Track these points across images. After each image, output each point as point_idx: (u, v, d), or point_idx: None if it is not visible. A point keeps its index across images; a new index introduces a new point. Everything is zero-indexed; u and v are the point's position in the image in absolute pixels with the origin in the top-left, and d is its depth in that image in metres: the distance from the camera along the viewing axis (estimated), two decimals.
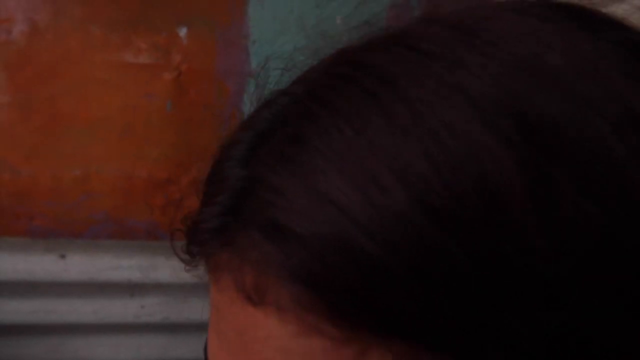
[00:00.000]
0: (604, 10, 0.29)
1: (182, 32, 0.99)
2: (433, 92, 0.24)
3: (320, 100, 0.27)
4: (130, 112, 0.98)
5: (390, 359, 0.24)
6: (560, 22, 0.27)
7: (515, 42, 0.26)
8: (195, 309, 1.01)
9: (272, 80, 0.34)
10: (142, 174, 0.99)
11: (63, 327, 0.99)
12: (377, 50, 0.28)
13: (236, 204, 0.27)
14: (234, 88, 1.01)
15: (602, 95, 0.24)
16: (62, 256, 0.97)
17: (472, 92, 0.24)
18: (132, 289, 0.99)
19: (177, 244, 0.32)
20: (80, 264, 0.97)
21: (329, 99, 0.26)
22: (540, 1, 0.29)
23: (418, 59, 0.26)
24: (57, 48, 0.96)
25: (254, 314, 0.26)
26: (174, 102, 1.00)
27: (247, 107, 1.02)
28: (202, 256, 0.30)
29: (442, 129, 0.23)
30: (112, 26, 0.97)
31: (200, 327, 0.91)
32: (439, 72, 0.25)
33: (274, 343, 0.25)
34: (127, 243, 0.99)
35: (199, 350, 0.32)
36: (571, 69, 0.25)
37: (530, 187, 0.23)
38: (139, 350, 1.03)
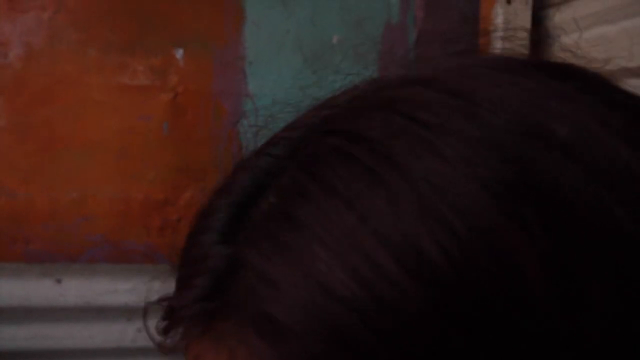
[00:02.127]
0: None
1: (179, 53, 0.99)
2: (438, 171, 0.23)
3: (316, 178, 0.24)
4: (126, 134, 0.98)
5: None
6: (558, 84, 0.26)
7: (518, 111, 0.24)
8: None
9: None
10: (139, 196, 0.99)
11: (60, 353, 0.97)
12: (372, 119, 0.25)
13: (219, 289, 0.25)
14: (231, 109, 1.01)
15: (610, 168, 0.23)
16: (58, 281, 0.96)
17: (481, 171, 0.22)
18: (129, 312, 0.98)
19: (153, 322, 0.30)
20: (76, 289, 0.96)
21: (326, 177, 0.24)
22: (534, 60, 0.28)
23: (418, 131, 0.24)
24: (54, 71, 0.96)
25: None
26: (170, 124, 0.99)
27: (245, 127, 1.02)
28: (180, 341, 0.28)
29: (454, 217, 0.22)
30: (108, 49, 0.97)
31: None
32: (441, 147, 0.23)
33: None
34: (124, 266, 0.98)
35: None
36: (578, 140, 0.24)
37: (554, 284, 0.21)
38: None
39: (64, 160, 0.97)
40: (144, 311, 0.31)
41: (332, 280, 0.22)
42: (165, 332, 0.29)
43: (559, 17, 0.93)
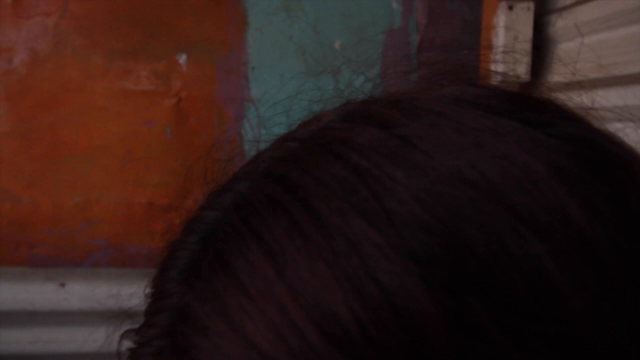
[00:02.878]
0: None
1: (182, 59, 1.00)
2: (356, 230, 0.23)
3: (249, 226, 0.25)
4: (130, 140, 0.99)
5: None
6: (506, 119, 0.26)
7: (452, 153, 0.24)
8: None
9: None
10: (143, 201, 0.99)
11: (63, 356, 0.98)
12: (309, 163, 0.26)
13: (173, 330, 0.26)
14: (234, 114, 1.02)
15: (542, 214, 0.23)
16: (62, 285, 0.97)
17: (402, 233, 0.22)
18: (132, 317, 0.99)
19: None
20: (80, 293, 0.97)
21: (257, 226, 0.25)
22: (489, 91, 0.28)
23: (346, 180, 0.24)
24: (58, 77, 0.97)
25: None
26: (174, 129, 1.00)
27: (248, 133, 1.03)
28: None
29: (366, 278, 0.22)
30: (112, 55, 0.98)
31: None
32: (366, 201, 0.23)
33: None
34: (127, 271, 0.98)
35: None
36: (510, 182, 0.23)
37: (458, 344, 0.22)
38: None
39: (68, 165, 0.97)
40: (119, 338, 0.32)
41: (253, 332, 0.23)
42: None
43: (560, 23, 0.93)
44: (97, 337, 0.98)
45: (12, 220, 0.96)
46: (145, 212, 0.99)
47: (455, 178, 0.23)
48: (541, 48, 0.95)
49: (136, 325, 0.29)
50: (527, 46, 0.92)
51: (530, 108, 0.27)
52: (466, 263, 0.22)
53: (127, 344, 0.30)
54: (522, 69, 0.85)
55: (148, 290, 0.29)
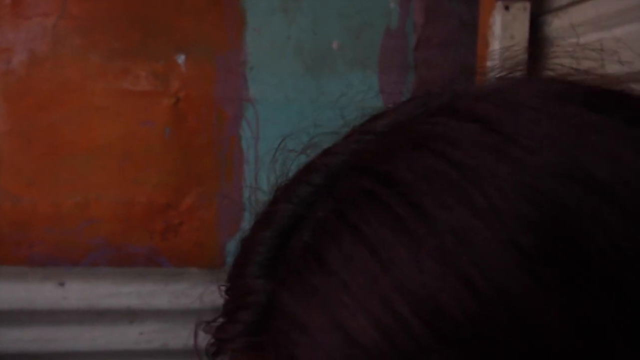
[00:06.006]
0: None
1: (181, 59, 1.00)
2: (466, 224, 0.22)
3: (345, 221, 0.25)
4: (129, 139, 0.99)
5: None
6: (603, 117, 0.25)
7: (555, 150, 0.23)
8: (196, 339, 1.01)
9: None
10: (142, 200, 1.00)
11: (63, 355, 0.98)
12: (406, 158, 0.25)
13: (261, 325, 0.26)
14: (233, 114, 1.02)
15: None
16: (61, 284, 0.97)
17: (510, 227, 0.22)
18: (131, 315, 0.99)
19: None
20: (79, 292, 0.97)
21: (355, 221, 0.24)
22: (578, 88, 0.27)
23: (449, 175, 0.24)
24: (57, 77, 0.97)
25: None
26: (172, 129, 1.00)
27: (247, 132, 1.03)
28: None
29: (476, 274, 0.22)
30: (111, 55, 0.98)
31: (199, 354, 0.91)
32: (471, 195, 0.23)
33: None
34: (126, 270, 0.99)
35: None
36: (620, 181, 0.23)
37: (576, 345, 0.21)
38: None
39: (67, 165, 0.98)
40: (195, 331, 0.32)
41: (355, 327, 0.22)
42: (213, 356, 0.29)
43: (557, 23, 0.94)
44: (96, 336, 0.99)
45: (12, 219, 0.97)
46: (144, 211, 1.00)
47: (561, 175, 0.23)
48: (537, 48, 0.95)
49: (215, 320, 0.29)
50: (524, 46, 0.93)
51: (624, 105, 0.26)
52: (579, 262, 0.22)
53: (206, 338, 0.29)
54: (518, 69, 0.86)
55: (225, 286, 0.29)
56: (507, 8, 0.94)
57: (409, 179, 0.24)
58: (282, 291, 0.25)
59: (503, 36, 0.94)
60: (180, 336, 1.01)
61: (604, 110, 0.25)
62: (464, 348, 0.21)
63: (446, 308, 0.21)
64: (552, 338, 0.21)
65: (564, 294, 0.21)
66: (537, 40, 0.95)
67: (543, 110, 0.25)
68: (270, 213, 0.28)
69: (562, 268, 0.22)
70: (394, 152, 0.26)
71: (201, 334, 0.31)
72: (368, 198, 0.25)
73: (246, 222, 1.02)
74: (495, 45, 0.94)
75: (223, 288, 0.29)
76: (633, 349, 0.21)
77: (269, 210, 0.29)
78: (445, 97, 0.28)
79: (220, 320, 0.28)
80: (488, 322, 0.21)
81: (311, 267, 0.24)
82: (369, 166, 0.26)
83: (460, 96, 0.28)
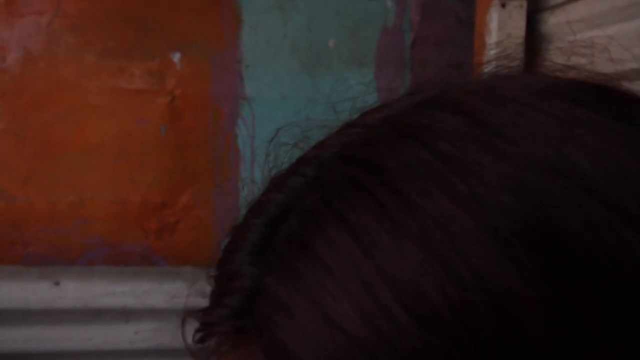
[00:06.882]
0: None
1: (176, 57, 1.00)
2: (448, 212, 0.23)
3: (331, 208, 0.25)
4: (124, 138, 0.99)
5: None
6: (588, 111, 0.25)
7: (539, 142, 0.24)
8: (189, 335, 1.01)
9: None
10: (137, 199, 0.99)
11: (58, 355, 0.98)
12: (392, 148, 0.26)
13: (247, 310, 0.26)
14: (228, 112, 1.02)
15: (632, 204, 0.22)
16: (57, 283, 0.97)
17: (492, 215, 0.22)
18: (126, 315, 0.99)
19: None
20: (74, 291, 0.97)
21: (340, 207, 0.25)
22: (565, 82, 0.27)
23: (434, 164, 0.24)
24: (52, 76, 0.97)
25: None
26: (168, 127, 1.00)
27: (242, 130, 1.03)
28: (212, 354, 0.29)
29: (458, 261, 0.22)
30: (106, 53, 0.98)
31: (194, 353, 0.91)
32: (455, 184, 0.23)
33: None
34: (122, 269, 0.98)
35: None
36: (602, 174, 0.23)
37: (553, 332, 0.21)
38: None
39: (62, 163, 0.97)
40: (182, 319, 0.32)
41: (338, 312, 0.23)
42: (200, 342, 0.30)
43: (553, 21, 0.94)
44: (91, 335, 0.98)
45: (7, 218, 0.96)
46: (140, 210, 1.00)
47: (544, 167, 0.23)
48: (534, 45, 0.95)
49: (201, 307, 0.29)
50: (520, 43, 0.93)
51: (611, 100, 0.26)
52: (559, 250, 0.22)
53: (193, 324, 0.30)
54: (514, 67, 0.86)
55: (212, 273, 0.29)
56: (503, 6, 0.94)
57: (393, 167, 0.25)
58: (267, 276, 0.25)
59: (499, 34, 0.94)
60: (176, 335, 1.00)
61: (591, 105, 0.25)
62: (445, 333, 0.22)
63: (427, 293, 0.22)
64: (531, 324, 0.21)
65: (543, 280, 0.22)
66: (534, 38, 0.95)
67: (529, 104, 0.25)
68: (262, 202, 0.29)
69: (542, 255, 0.22)
70: (380, 142, 0.26)
71: (190, 333, 0.31)
72: (353, 185, 0.25)
73: None
74: (492, 42, 0.94)
75: (212, 275, 0.29)
76: (612, 336, 0.22)
77: (260, 200, 0.29)
78: (434, 91, 0.29)
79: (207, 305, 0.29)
80: (468, 307, 0.21)
81: (296, 253, 0.25)
82: (355, 155, 0.26)
83: (448, 90, 0.28)
